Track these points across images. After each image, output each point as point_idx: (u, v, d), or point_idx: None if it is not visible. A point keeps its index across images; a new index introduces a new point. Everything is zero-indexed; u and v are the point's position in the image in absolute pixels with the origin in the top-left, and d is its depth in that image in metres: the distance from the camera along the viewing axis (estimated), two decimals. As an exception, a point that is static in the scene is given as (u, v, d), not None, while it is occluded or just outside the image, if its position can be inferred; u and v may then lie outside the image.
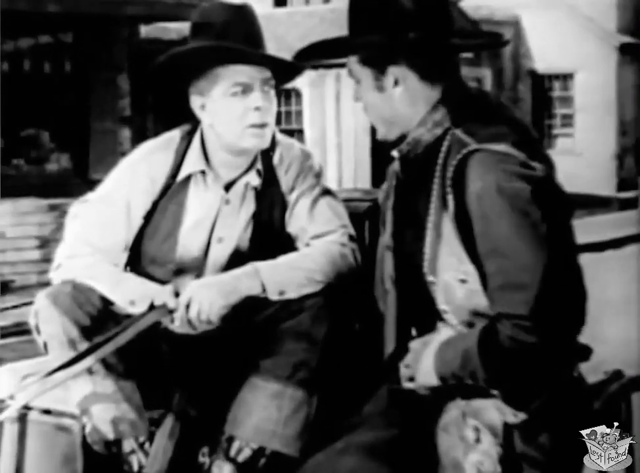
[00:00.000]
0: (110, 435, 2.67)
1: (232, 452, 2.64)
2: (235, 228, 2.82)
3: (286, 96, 18.76)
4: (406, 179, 2.42)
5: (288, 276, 2.67)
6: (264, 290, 2.66)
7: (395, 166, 2.46)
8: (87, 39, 14.17)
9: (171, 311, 2.65)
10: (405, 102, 2.35)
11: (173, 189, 2.82)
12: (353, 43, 2.37)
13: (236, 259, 2.78)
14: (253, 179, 2.82)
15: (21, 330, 3.47)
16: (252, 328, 2.68)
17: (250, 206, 2.83)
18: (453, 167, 2.24)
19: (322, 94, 18.55)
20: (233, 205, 2.82)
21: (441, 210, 2.26)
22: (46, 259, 11.58)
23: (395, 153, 2.41)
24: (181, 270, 2.81)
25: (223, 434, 2.67)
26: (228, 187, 2.82)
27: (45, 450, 2.79)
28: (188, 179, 2.82)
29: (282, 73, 2.80)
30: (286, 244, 2.83)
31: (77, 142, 14.11)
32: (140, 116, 14.29)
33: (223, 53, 2.69)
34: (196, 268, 2.81)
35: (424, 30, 2.29)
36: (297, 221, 2.83)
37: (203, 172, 2.80)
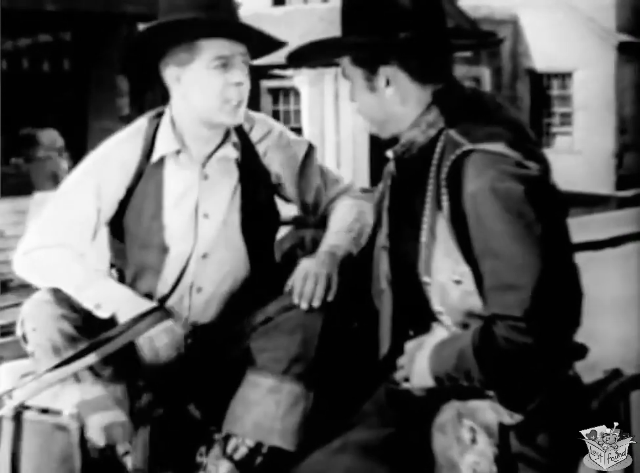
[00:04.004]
0: (102, 443, 2.66)
1: (229, 450, 2.64)
2: (219, 202, 2.82)
3: (285, 95, 18.77)
4: (401, 179, 2.42)
5: (344, 240, 2.78)
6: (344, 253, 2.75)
7: (391, 166, 2.46)
8: (86, 38, 14.17)
9: (169, 314, 2.66)
10: (397, 102, 2.35)
11: (147, 172, 2.81)
12: (343, 43, 2.37)
13: (227, 232, 2.80)
14: (231, 152, 2.82)
15: (19, 329, 3.47)
16: (250, 330, 2.69)
17: (231, 179, 2.83)
18: (448, 168, 2.24)
19: (321, 94, 18.56)
20: (212, 179, 2.81)
21: (436, 211, 2.26)
22: (45, 258, 11.57)
23: (389, 154, 2.42)
24: (170, 249, 2.81)
25: (221, 433, 2.67)
26: (204, 162, 2.81)
27: (43, 449, 2.79)
28: (161, 160, 2.81)
29: (256, 48, 2.79)
30: (272, 214, 2.89)
31: (76, 141, 14.11)
32: (139, 115, 14.29)
33: (208, 25, 2.68)
34: (187, 245, 2.81)
35: (415, 30, 2.29)
36: (311, 190, 2.89)
37: (177, 151, 2.79)
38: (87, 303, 2.70)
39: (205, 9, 2.69)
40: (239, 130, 2.85)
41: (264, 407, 2.63)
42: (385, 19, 2.30)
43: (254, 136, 2.87)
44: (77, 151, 14.02)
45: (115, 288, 2.75)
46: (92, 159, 2.87)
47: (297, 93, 18.69)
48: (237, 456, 2.64)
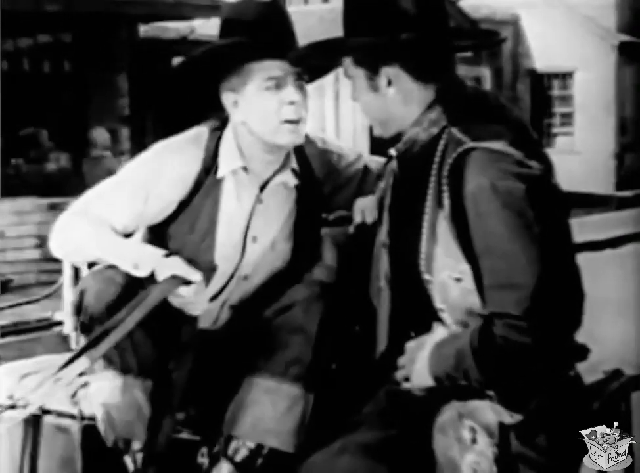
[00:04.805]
0: (128, 436, 2.63)
1: (230, 452, 2.64)
2: (270, 228, 2.79)
3: (286, 95, 18.70)
4: (403, 177, 2.43)
5: None
6: None
7: (392, 165, 2.46)
8: (87, 39, 14.17)
9: (185, 282, 2.57)
10: (399, 102, 2.35)
11: (205, 187, 2.74)
12: (345, 44, 2.38)
13: (271, 257, 2.78)
14: (290, 179, 2.79)
15: (20, 329, 3.47)
16: (254, 328, 2.69)
17: (286, 206, 2.80)
18: (449, 166, 2.24)
19: (321, 94, 18.55)
20: (266, 204, 2.77)
21: (437, 209, 2.26)
22: (46, 258, 11.57)
23: (392, 152, 2.42)
24: (215, 268, 2.76)
25: (222, 434, 2.67)
26: (262, 186, 2.77)
27: (45, 451, 2.79)
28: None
29: (314, 68, 2.74)
30: (319, 238, 2.84)
31: (77, 142, 14.11)
32: (139, 116, 14.29)
33: (260, 49, 2.64)
34: (230, 265, 2.78)
35: (417, 31, 2.29)
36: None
37: (243, 169, 2.74)
38: (126, 264, 2.61)
39: (254, 32, 2.66)
40: (300, 153, 2.81)
41: (261, 409, 2.63)
42: (387, 19, 2.30)
43: (314, 161, 2.84)
44: (77, 152, 14.04)
45: (151, 248, 2.66)
46: (149, 161, 2.76)
47: (297, 94, 18.68)
48: (238, 458, 2.64)
